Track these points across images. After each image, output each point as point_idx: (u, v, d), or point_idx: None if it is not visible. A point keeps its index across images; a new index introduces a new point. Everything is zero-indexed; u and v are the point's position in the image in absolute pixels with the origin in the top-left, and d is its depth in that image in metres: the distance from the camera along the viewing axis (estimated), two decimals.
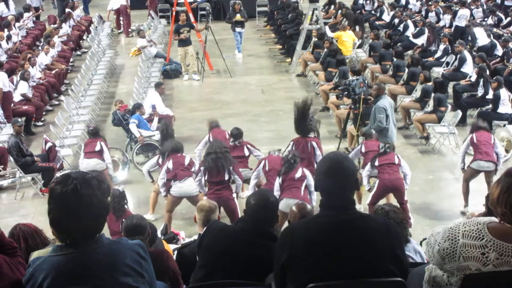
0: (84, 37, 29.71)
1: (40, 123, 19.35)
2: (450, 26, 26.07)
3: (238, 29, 25.74)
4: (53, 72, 22.22)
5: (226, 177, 12.00)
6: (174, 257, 7.60)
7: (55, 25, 27.55)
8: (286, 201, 11.41)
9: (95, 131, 14.89)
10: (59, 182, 3.76)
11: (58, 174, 14.23)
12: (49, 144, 15.50)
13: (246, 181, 13.30)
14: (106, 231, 10.26)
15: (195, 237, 8.92)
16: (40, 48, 23.55)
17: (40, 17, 32.34)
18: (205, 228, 6.16)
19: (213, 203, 9.04)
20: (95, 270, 3.77)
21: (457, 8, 26.50)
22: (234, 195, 12.20)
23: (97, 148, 14.47)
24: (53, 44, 23.86)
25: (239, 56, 26.35)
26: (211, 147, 12.13)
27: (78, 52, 27.95)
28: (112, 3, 31.77)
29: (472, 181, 13.30)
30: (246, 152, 13.65)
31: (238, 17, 25.48)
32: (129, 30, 31.30)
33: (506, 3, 30.06)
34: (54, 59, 23.36)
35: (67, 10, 30.79)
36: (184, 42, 23.24)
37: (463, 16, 25.44)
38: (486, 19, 27.29)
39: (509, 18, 26.84)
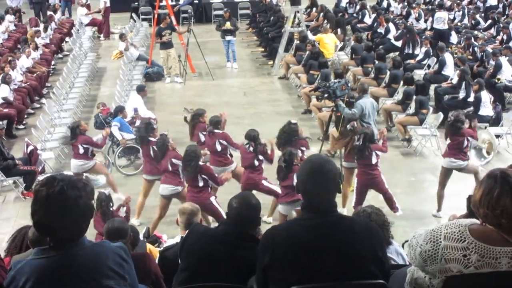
0: (66, 40, 29.61)
1: (21, 126, 19.26)
2: (432, 29, 26.18)
3: (227, 37, 25.11)
4: (35, 75, 22.13)
5: (201, 184, 12.10)
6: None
7: (37, 28, 27.46)
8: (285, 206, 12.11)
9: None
10: (45, 184, 3.74)
11: (39, 178, 14.20)
12: (30, 147, 15.41)
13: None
14: (93, 233, 10.24)
15: (177, 239, 8.90)
16: (21, 51, 23.45)
17: (22, 19, 32.25)
18: (187, 231, 6.16)
19: (195, 206, 9.06)
20: (77, 273, 3.76)
21: (435, 12, 26.65)
22: (212, 198, 12.24)
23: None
24: (34, 47, 23.75)
25: (235, 66, 25.61)
26: (185, 154, 12.21)
27: (60, 55, 27.87)
28: (83, 19, 31.81)
29: (451, 184, 13.38)
30: (218, 147, 13.65)
31: (227, 25, 24.93)
32: (110, 32, 31.35)
33: (488, 3, 30.38)
34: (35, 62, 23.26)
35: (49, 13, 30.72)
36: (166, 45, 23.23)
37: (440, 18, 25.55)
38: (465, 23, 27.56)
39: (489, 21, 27.03)
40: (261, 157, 12.89)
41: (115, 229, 7.24)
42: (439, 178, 13.45)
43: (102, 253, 3.88)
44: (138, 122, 16.57)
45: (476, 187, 3.88)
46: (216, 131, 13.73)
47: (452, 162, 13.12)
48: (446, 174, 13.30)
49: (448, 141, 13.23)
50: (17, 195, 14.82)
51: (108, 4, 30.92)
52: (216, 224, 7.00)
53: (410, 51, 23.53)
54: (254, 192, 11.24)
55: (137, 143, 14.01)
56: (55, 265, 3.74)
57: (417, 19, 28.20)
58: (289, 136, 13.22)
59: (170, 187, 12.68)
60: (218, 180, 12.42)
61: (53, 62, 25.85)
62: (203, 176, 12.08)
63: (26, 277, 3.72)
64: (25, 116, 19.90)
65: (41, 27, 28.16)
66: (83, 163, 14.28)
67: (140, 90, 18.40)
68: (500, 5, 30.03)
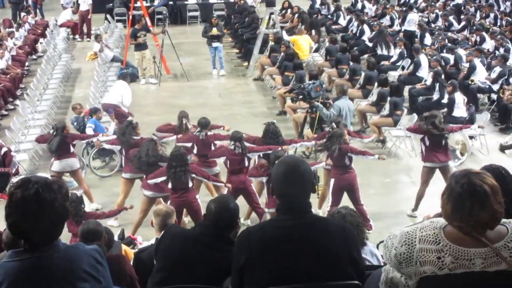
0: (40, 41, 29.43)
1: None
2: (402, 30, 26.31)
3: (214, 44, 24.29)
4: (8, 76, 21.98)
5: (190, 184, 12.09)
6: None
7: (10, 29, 27.26)
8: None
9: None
10: (20, 186, 3.71)
11: (13, 179, 14.10)
12: (4, 149, 15.30)
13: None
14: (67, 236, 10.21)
15: (153, 241, 8.89)
16: None
17: None
18: (162, 232, 6.15)
19: (170, 208, 9.03)
20: (52, 275, 3.73)
21: (407, 14, 26.78)
22: (198, 196, 12.35)
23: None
24: (5, 48, 23.52)
25: (222, 73, 24.79)
26: (174, 159, 12.06)
27: (34, 56, 27.68)
28: (60, 19, 31.68)
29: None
30: (212, 148, 13.58)
31: (214, 31, 24.19)
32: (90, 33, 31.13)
33: (453, 2, 30.66)
34: (8, 64, 23.08)
35: (22, 14, 30.53)
36: (141, 46, 23.19)
37: (412, 20, 25.74)
38: (438, 25, 27.72)
39: (463, 23, 27.19)
40: (250, 155, 12.88)
41: (89, 231, 7.23)
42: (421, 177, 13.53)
43: (77, 256, 3.86)
44: (112, 124, 16.56)
45: (444, 196, 3.87)
46: (209, 133, 13.71)
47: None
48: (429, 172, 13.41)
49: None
50: None
51: (87, 8, 30.66)
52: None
53: (384, 53, 23.64)
54: None
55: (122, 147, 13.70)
56: (29, 267, 3.72)
57: (391, 21, 28.33)
58: (273, 136, 13.20)
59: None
60: (207, 175, 12.54)
61: (27, 63, 25.68)
62: (193, 175, 12.16)
63: (0, 280, 3.70)
64: None
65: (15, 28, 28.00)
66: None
67: (124, 77, 18.58)
68: (472, 9, 30.20)
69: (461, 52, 21.89)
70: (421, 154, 13.58)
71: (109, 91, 18.58)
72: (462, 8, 30.79)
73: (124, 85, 18.39)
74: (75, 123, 16.67)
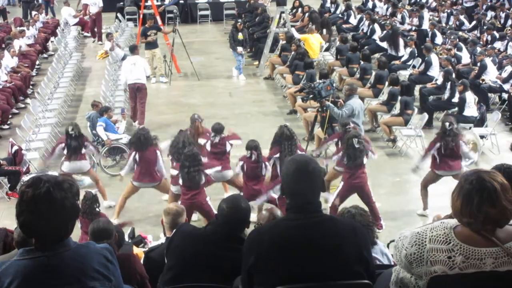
0: (51, 40, 29.47)
1: (6, 127, 19.16)
2: (416, 30, 26.24)
3: (239, 49, 24.02)
4: (19, 74, 22.02)
5: (202, 182, 12.18)
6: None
7: (22, 28, 27.32)
8: None
9: None
10: (31, 185, 3.71)
11: (24, 178, 14.16)
12: (15, 148, 15.35)
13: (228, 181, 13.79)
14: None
15: (163, 240, 8.89)
16: (6, 50, 23.31)
17: (7, 19, 32.17)
18: (174, 231, 6.16)
19: (180, 207, 9.02)
20: (62, 274, 3.73)
21: (423, 12, 26.69)
22: (208, 197, 12.34)
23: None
24: (12, 46, 23.49)
25: (242, 78, 24.28)
26: (187, 159, 12.07)
27: (45, 55, 27.74)
28: (69, 19, 31.61)
29: (437, 183, 13.38)
30: (228, 148, 13.73)
31: (240, 36, 23.99)
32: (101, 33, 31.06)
33: (466, 4, 30.49)
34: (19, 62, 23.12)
35: (33, 12, 30.58)
36: (151, 45, 23.17)
37: (427, 18, 25.73)
38: (449, 24, 27.64)
39: (474, 22, 27.11)
40: (266, 164, 12.88)
41: (100, 229, 7.23)
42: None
43: (87, 254, 3.87)
44: (123, 123, 16.58)
45: (454, 194, 3.87)
46: (223, 135, 13.81)
47: None
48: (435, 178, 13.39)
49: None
50: (1, 195, 14.75)
51: (97, 10, 30.60)
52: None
53: (393, 53, 23.60)
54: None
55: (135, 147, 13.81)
56: (40, 266, 3.72)
57: (402, 20, 28.26)
58: (287, 138, 13.10)
59: None
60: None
61: (38, 62, 25.74)
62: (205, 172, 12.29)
63: (11, 277, 3.70)
64: (10, 116, 19.81)
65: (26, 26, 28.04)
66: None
67: (133, 49, 19.41)
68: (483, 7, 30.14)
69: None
70: (432, 163, 13.42)
71: (129, 69, 18.68)
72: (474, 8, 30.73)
73: (139, 58, 18.94)
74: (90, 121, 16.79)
